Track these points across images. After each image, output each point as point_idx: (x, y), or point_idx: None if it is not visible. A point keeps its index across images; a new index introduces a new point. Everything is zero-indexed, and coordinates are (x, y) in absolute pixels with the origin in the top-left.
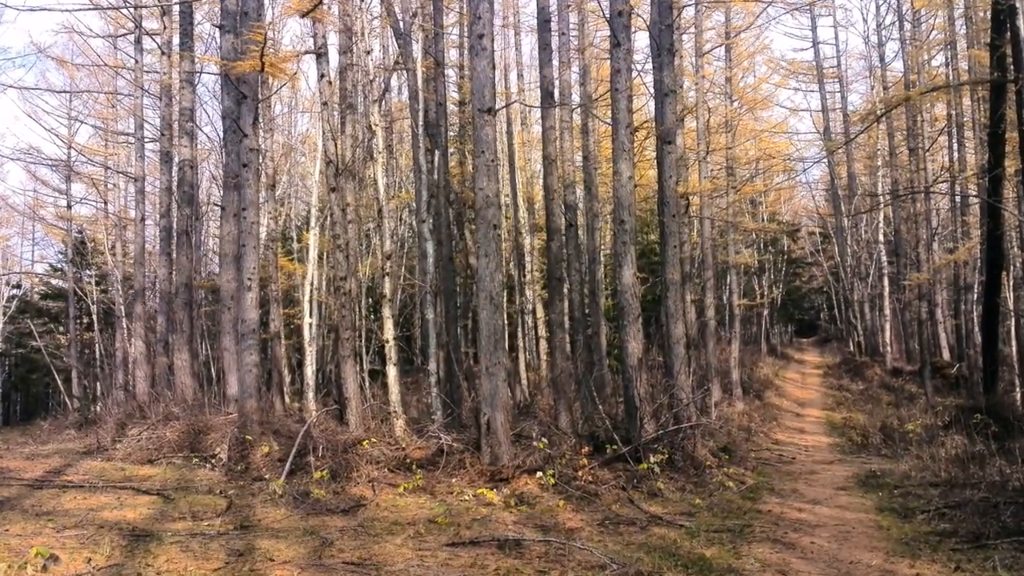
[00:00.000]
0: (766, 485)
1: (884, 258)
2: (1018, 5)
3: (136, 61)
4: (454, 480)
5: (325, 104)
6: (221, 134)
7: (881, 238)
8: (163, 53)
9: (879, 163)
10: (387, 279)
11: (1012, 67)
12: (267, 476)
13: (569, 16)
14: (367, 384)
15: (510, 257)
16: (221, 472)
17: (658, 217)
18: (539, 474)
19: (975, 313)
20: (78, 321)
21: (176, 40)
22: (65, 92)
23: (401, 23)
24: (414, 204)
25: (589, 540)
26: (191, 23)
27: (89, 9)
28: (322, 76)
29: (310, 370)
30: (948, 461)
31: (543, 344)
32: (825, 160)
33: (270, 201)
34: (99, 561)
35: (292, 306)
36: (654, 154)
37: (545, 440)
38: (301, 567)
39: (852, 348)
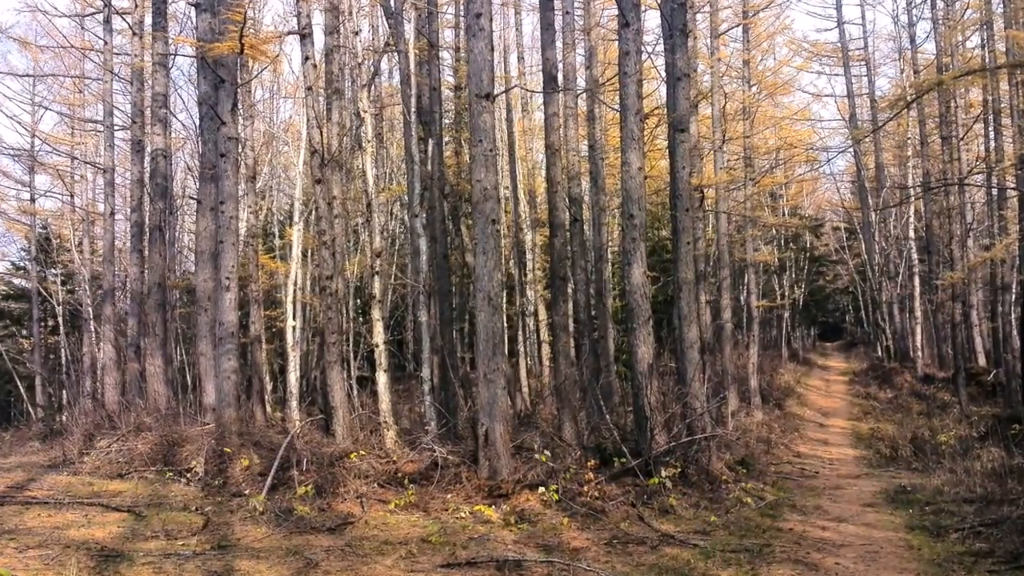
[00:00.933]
0: (787, 501)
1: (915, 256)
2: None
3: (105, 42)
4: (449, 496)
5: (310, 89)
6: (197, 121)
7: (911, 234)
8: (134, 34)
9: (909, 153)
10: (377, 278)
11: None
12: (247, 491)
13: None
14: (355, 392)
15: (510, 255)
16: (197, 487)
17: (670, 211)
18: (541, 489)
19: (1013, 315)
20: (42, 324)
21: (148, 20)
22: (28, 76)
23: (392, 1)
24: (406, 197)
25: (595, 561)
26: (164, 1)
27: None
28: (306, 59)
29: (293, 377)
30: (984, 475)
31: (546, 348)
32: (851, 150)
33: (250, 194)
34: None
35: (274, 308)
36: (666, 143)
37: (548, 452)
38: None
39: (880, 353)
